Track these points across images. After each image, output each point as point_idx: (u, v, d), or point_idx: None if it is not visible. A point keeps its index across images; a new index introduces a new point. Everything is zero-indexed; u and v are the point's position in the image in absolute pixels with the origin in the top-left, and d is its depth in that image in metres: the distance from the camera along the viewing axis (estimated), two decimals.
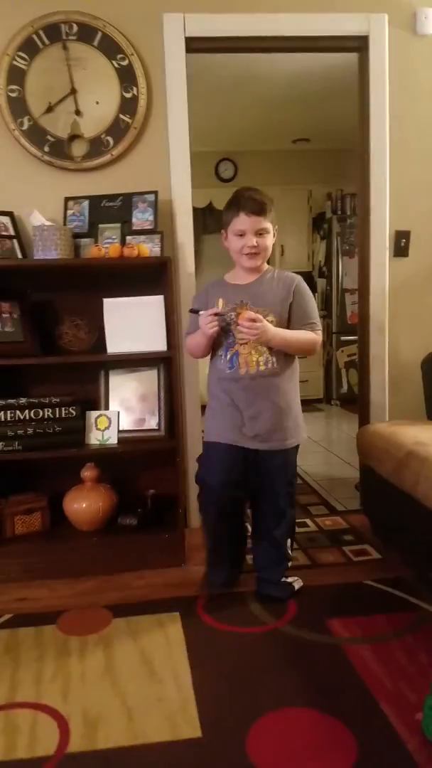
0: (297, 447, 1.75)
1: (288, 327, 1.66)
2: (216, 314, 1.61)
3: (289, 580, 1.80)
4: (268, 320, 1.61)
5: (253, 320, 1.56)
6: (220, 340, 1.67)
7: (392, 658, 1.45)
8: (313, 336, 1.68)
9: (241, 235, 1.62)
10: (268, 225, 1.63)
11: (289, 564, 1.83)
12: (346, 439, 3.80)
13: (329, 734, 1.21)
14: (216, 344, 1.69)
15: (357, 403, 2.63)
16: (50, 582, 1.92)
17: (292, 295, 1.66)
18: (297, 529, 2.28)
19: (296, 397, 1.74)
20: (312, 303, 1.70)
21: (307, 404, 5.13)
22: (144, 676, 1.42)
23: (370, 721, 1.24)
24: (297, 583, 1.80)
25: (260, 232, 1.62)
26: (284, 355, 1.67)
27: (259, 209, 1.60)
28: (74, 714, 1.29)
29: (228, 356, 1.66)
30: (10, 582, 1.92)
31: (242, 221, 1.61)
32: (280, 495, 1.75)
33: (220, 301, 1.67)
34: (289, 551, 1.83)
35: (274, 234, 1.67)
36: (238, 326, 1.60)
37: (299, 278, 1.70)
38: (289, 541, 1.82)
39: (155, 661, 1.48)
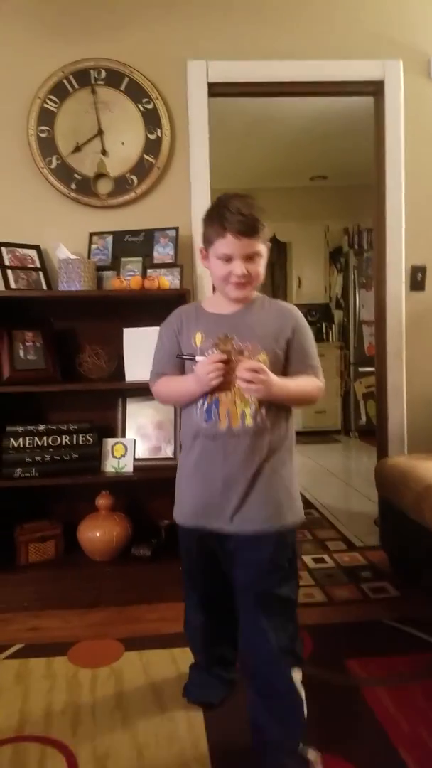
0: (293, 531, 1.29)
1: (285, 367, 1.30)
2: (223, 361, 1.22)
3: (309, 756, 1.20)
4: (259, 359, 1.24)
5: (255, 371, 1.17)
6: None
7: (411, 702, 1.39)
8: (318, 384, 1.32)
9: (227, 260, 1.24)
10: (261, 247, 1.25)
11: (305, 710, 1.22)
12: (365, 472, 3.74)
13: None
14: None
15: (375, 435, 2.61)
16: (62, 612, 1.91)
17: (291, 331, 1.29)
18: (314, 566, 2.23)
19: (291, 461, 1.30)
20: (313, 342, 1.35)
21: (326, 435, 5.11)
22: (155, 712, 1.39)
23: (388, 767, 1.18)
24: (312, 755, 1.21)
25: (251, 257, 1.24)
26: (277, 405, 1.27)
27: (250, 229, 1.21)
28: (83, 749, 1.27)
29: (205, 405, 1.26)
30: (22, 611, 1.91)
31: (229, 244, 1.22)
32: (278, 604, 1.23)
33: (198, 335, 1.29)
34: (299, 684, 1.23)
35: (267, 253, 1.29)
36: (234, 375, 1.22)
37: (297, 311, 1.34)
38: (298, 674, 1.25)
39: (167, 697, 1.44)
